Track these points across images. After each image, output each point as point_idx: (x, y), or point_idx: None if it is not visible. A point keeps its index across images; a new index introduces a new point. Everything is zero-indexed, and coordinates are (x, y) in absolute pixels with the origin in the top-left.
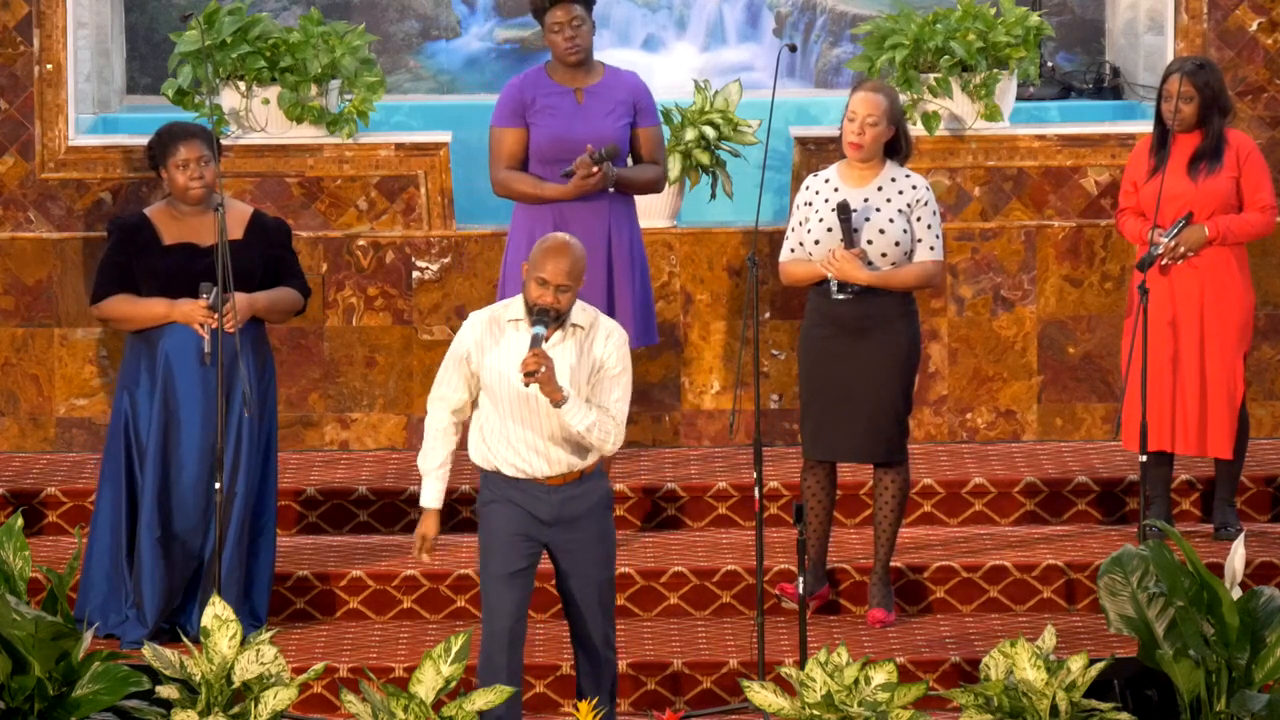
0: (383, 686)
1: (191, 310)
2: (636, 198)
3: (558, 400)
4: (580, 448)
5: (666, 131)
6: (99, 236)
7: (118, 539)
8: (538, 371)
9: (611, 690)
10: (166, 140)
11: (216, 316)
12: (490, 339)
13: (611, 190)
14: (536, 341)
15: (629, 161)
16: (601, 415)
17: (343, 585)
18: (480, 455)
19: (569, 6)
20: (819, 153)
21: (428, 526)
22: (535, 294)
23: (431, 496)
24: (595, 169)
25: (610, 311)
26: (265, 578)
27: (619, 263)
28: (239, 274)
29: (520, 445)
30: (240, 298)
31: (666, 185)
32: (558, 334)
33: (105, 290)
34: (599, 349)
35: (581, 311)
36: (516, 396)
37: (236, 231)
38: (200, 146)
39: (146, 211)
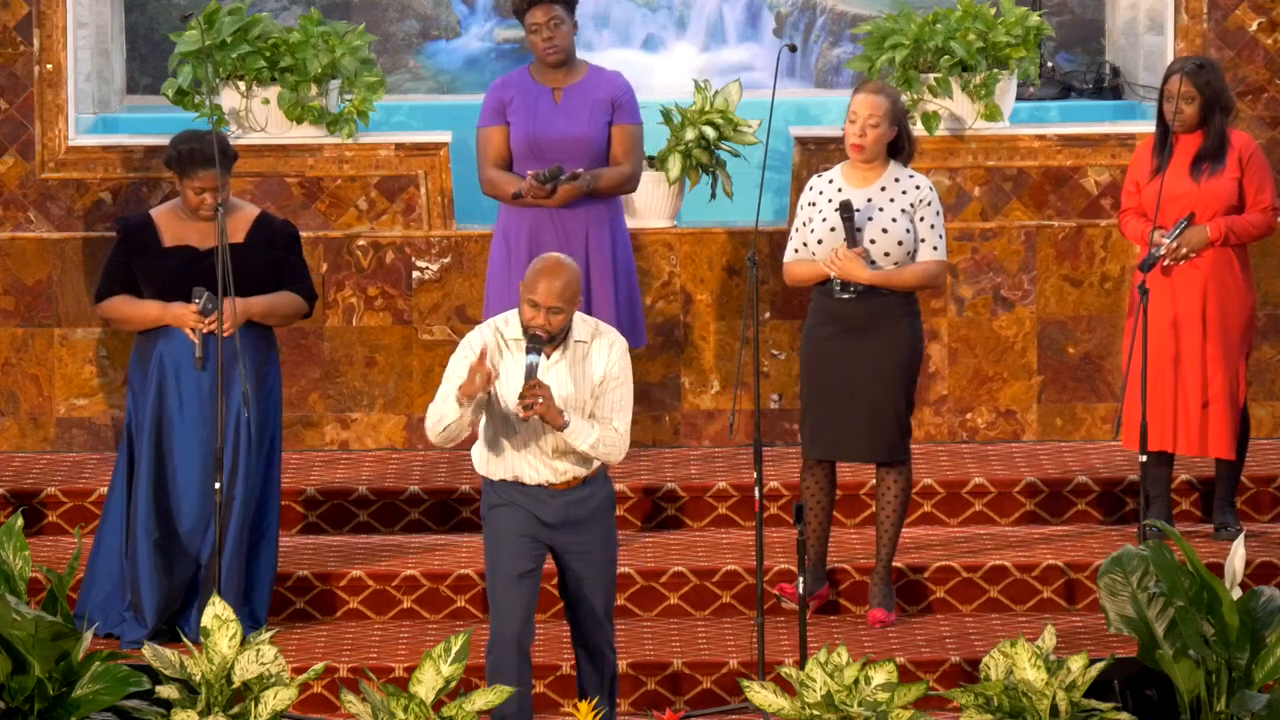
0: (383, 686)
1: (182, 314)
2: (639, 201)
3: (559, 425)
4: (585, 458)
5: (666, 132)
6: (99, 236)
7: (122, 540)
8: (535, 404)
9: (612, 690)
10: (187, 161)
11: (207, 321)
12: (495, 350)
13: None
14: (531, 373)
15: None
16: (605, 430)
17: (343, 585)
18: (486, 466)
19: (548, 7)
20: (819, 153)
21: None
22: (528, 316)
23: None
24: (546, 187)
25: (588, 314)
26: (266, 581)
27: (597, 266)
28: (237, 277)
29: (525, 458)
30: (228, 302)
31: (669, 185)
32: (558, 353)
33: (107, 290)
34: (601, 363)
35: (582, 323)
36: (517, 414)
37: (239, 234)
38: (219, 176)
39: (152, 212)
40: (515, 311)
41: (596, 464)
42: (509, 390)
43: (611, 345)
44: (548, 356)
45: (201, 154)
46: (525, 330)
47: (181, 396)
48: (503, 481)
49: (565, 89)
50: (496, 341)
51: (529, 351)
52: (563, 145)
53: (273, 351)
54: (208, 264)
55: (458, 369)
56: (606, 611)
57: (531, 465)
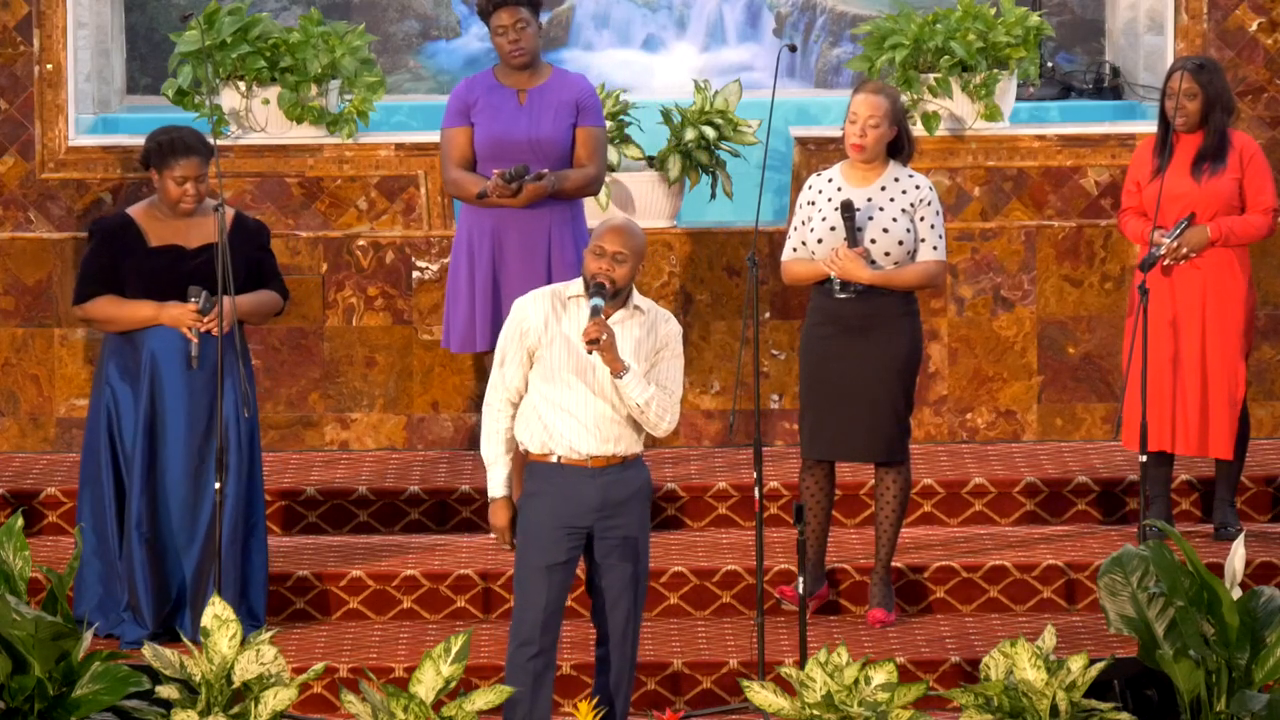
0: (383, 686)
1: (180, 314)
2: (638, 201)
3: (618, 370)
4: (632, 428)
5: (666, 131)
6: None
7: (105, 541)
8: (600, 339)
9: (628, 689)
10: (166, 151)
11: (206, 320)
12: (551, 313)
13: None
14: (596, 312)
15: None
16: (660, 392)
17: (342, 585)
18: (529, 435)
19: (514, 9)
20: (819, 153)
21: (501, 516)
22: (592, 265)
23: (498, 485)
24: (512, 186)
25: None
26: (260, 578)
27: (559, 266)
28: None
29: (573, 420)
30: (226, 301)
31: (669, 185)
32: (621, 312)
33: (90, 291)
34: (658, 333)
35: (642, 299)
36: (576, 367)
37: (217, 234)
38: (199, 165)
39: (129, 211)
40: (571, 280)
41: (637, 445)
42: (569, 339)
43: (669, 319)
44: (607, 317)
45: (182, 143)
46: (589, 281)
47: (170, 396)
48: (543, 464)
49: (530, 91)
50: (552, 304)
51: (592, 296)
52: (527, 147)
53: (245, 349)
54: (194, 263)
55: (508, 357)
56: (638, 604)
57: (574, 433)
